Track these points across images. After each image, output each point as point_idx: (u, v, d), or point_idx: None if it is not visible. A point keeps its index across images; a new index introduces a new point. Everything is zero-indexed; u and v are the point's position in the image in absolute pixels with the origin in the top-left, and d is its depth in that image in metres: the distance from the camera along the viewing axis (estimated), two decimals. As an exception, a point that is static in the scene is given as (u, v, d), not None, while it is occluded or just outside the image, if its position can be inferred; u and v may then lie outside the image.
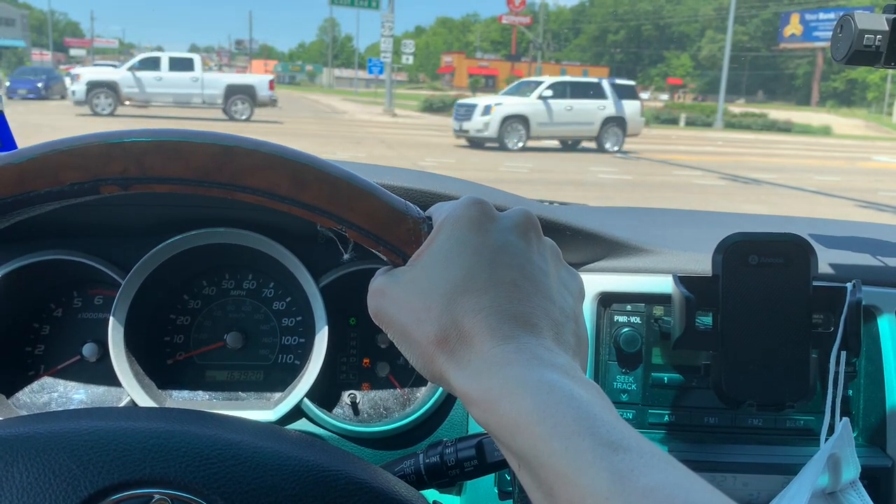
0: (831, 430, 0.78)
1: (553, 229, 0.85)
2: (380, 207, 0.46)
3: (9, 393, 0.87)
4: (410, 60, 32.34)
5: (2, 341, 0.87)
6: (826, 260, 0.89)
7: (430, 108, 30.00)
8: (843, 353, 0.78)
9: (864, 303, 0.78)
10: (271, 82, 19.40)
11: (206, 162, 0.44)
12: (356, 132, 17.68)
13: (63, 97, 27.77)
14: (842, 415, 0.80)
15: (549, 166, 12.10)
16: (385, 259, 0.47)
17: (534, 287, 0.43)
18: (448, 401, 0.87)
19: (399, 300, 0.44)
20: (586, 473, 0.33)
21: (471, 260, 0.43)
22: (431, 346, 0.42)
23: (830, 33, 0.84)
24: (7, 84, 26.26)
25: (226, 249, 0.87)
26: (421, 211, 0.48)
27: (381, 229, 0.46)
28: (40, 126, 13.86)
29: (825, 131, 29.49)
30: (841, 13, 0.82)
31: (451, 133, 16.01)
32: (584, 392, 0.37)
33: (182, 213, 0.86)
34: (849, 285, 0.78)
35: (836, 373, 0.78)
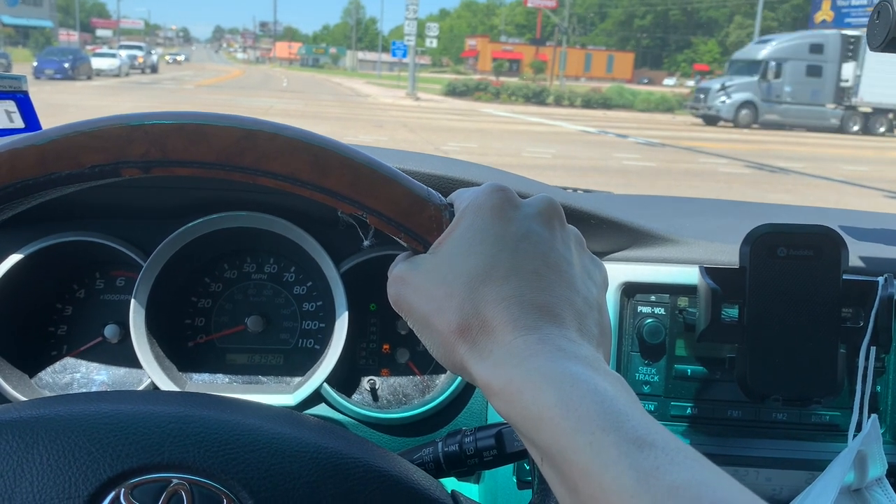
0: (859, 427, 0.77)
1: (577, 218, 0.84)
2: (402, 194, 0.45)
3: (32, 372, 0.88)
4: (434, 44, 32.25)
5: (26, 321, 0.88)
6: (857, 253, 0.87)
7: (453, 91, 29.90)
8: (873, 349, 0.76)
9: (895, 297, 0.76)
10: None
11: (228, 145, 0.44)
12: (379, 116, 17.68)
13: (90, 77, 28.06)
14: (870, 411, 0.78)
15: (573, 152, 12.02)
16: (406, 246, 0.47)
17: (557, 276, 0.42)
18: (467, 389, 0.86)
19: (420, 288, 0.43)
20: (611, 470, 0.33)
21: (493, 248, 0.42)
22: (452, 336, 0.41)
23: (862, 19, 0.82)
24: (34, 64, 26.54)
25: (247, 233, 0.87)
26: (443, 198, 0.47)
27: (403, 216, 0.45)
28: (66, 106, 14.01)
29: (855, 120, 28.99)
30: (874, -1, 0.80)
31: (474, 117, 16.19)
32: (608, 386, 0.36)
33: (204, 196, 0.85)
34: (880, 279, 0.76)
35: (866, 368, 0.77)
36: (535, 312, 0.40)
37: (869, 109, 21.42)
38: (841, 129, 21.26)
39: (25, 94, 0.94)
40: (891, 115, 21.70)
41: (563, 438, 0.35)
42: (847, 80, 21.21)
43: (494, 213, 0.43)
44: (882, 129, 21.57)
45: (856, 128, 21.35)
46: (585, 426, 0.34)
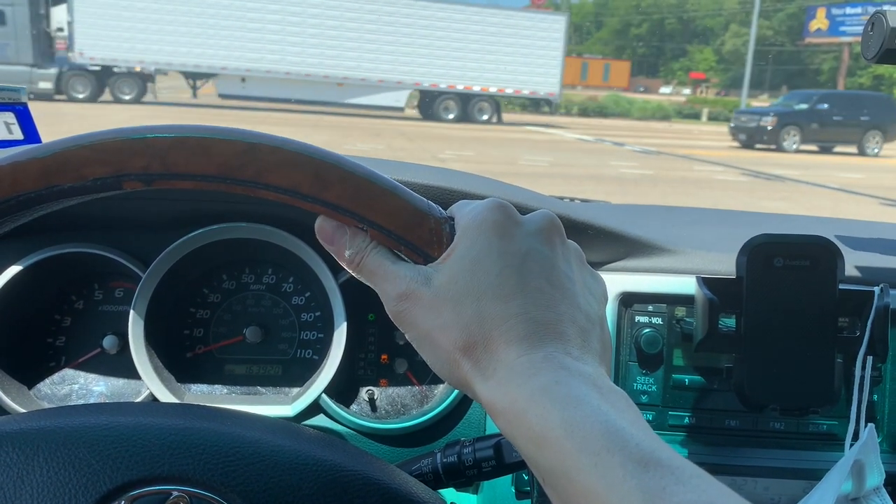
0: (856, 436, 0.77)
1: (575, 228, 0.84)
2: (402, 207, 0.46)
3: (30, 384, 0.88)
4: (431, 52, 32.22)
5: (24, 333, 0.88)
6: (853, 262, 0.88)
7: (449, 100, 29.85)
8: (869, 359, 0.77)
9: (891, 307, 0.77)
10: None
11: (229, 159, 0.44)
12: (376, 124, 17.68)
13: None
14: (867, 420, 0.78)
15: (569, 160, 12.04)
16: (406, 259, 0.47)
17: (560, 294, 0.42)
18: (466, 399, 0.86)
19: (424, 304, 0.44)
20: (616, 491, 0.33)
21: (497, 266, 0.42)
22: (457, 353, 0.41)
23: (857, 28, 0.83)
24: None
25: (246, 244, 0.88)
26: (443, 211, 0.48)
27: (403, 229, 0.46)
28: (65, 115, 14.01)
29: (850, 127, 29.12)
30: (868, 7, 0.81)
31: (473, 125, 16.21)
32: (612, 405, 0.37)
33: (203, 208, 0.86)
34: (876, 289, 0.76)
35: (862, 378, 0.77)
36: (539, 330, 0.40)
37: (98, 67, 16.64)
38: (69, 95, 16.30)
39: (25, 105, 0.95)
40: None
41: (568, 459, 0.35)
42: (62, 29, 16.23)
43: (496, 231, 0.44)
44: (129, 96, 17.03)
45: (83, 94, 16.62)
46: (590, 446, 0.34)
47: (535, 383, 0.38)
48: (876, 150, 17.08)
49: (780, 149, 16.54)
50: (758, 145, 16.88)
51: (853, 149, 17.21)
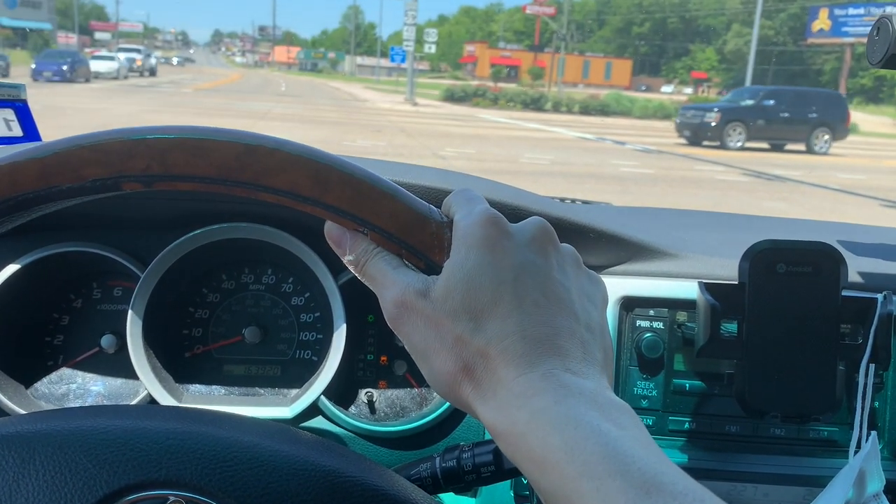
0: (859, 444, 0.77)
1: (576, 231, 0.84)
2: (402, 211, 0.45)
3: (28, 383, 0.88)
4: (433, 49, 32.23)
5: (23, 331, 0.88)
6: (856, 268, 0.87)
7: (451, 97, 29.93)
8: (872, 366, 0.76)
9: (894, 314, 0.76)
10: None
11: (229, 160, 0.44)
12: (377, 121, 17.68)
13: (88, 80, 28.05)
14: (868, 427, 0.78)
15: (570, 159, 12.03)
16: (407, 263, 0.46)
17: (557, 306, 0.42)
18: (465, 402, 0.86)
19: (420, 316, 0.43)
20: None
21: (491, 283, 0.41)
22: (457, 375, 0.41)
23: (859, 29, 0.82)
24: (33, 66, 26.53)
25: (246, 244, 0.87)
26: (444, 214, 0.47)
27: (404, 233, 0.45)
28: (64, 108, 13.99)
29: (852, 128, 29.03)
30: (871, 8, 0.80)
31: (472, 123, 16.12)
32: (613, 422, 0.36)
33: (202, 208, 0.85)
34: (879, 296, 0.76)
35: (865, 385, 0.77)
36: (537, 347, 0.40)
37: None
38: None
39: (24, 102, 0.94)
40: None
41: (570, 483, 0.34)
42: None
43: (488, 246, 0.43)
44: None
45: None
46: (590, 471, 0.34)
47: (534, 404, 0.37)
48: (824, 149, 16.48)
49: (723, 146, 15.82)
50: (704, 142, 16.16)
51: (801, 146, 16.61)
